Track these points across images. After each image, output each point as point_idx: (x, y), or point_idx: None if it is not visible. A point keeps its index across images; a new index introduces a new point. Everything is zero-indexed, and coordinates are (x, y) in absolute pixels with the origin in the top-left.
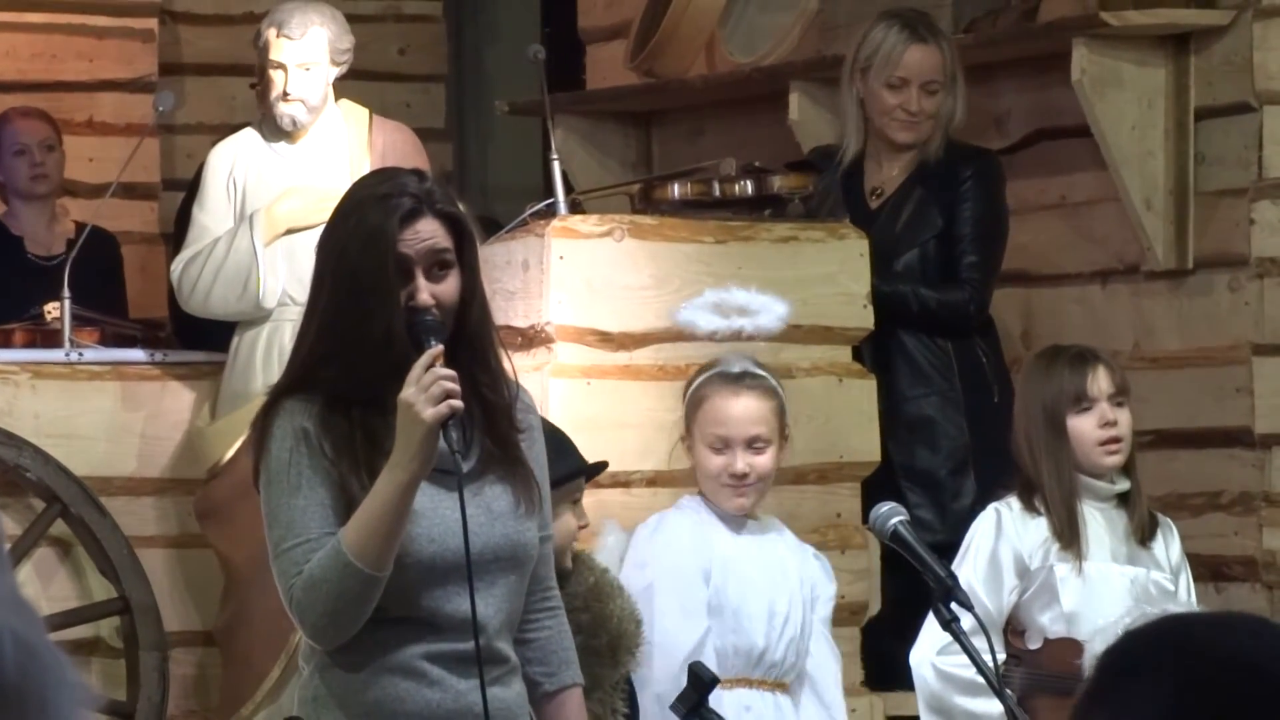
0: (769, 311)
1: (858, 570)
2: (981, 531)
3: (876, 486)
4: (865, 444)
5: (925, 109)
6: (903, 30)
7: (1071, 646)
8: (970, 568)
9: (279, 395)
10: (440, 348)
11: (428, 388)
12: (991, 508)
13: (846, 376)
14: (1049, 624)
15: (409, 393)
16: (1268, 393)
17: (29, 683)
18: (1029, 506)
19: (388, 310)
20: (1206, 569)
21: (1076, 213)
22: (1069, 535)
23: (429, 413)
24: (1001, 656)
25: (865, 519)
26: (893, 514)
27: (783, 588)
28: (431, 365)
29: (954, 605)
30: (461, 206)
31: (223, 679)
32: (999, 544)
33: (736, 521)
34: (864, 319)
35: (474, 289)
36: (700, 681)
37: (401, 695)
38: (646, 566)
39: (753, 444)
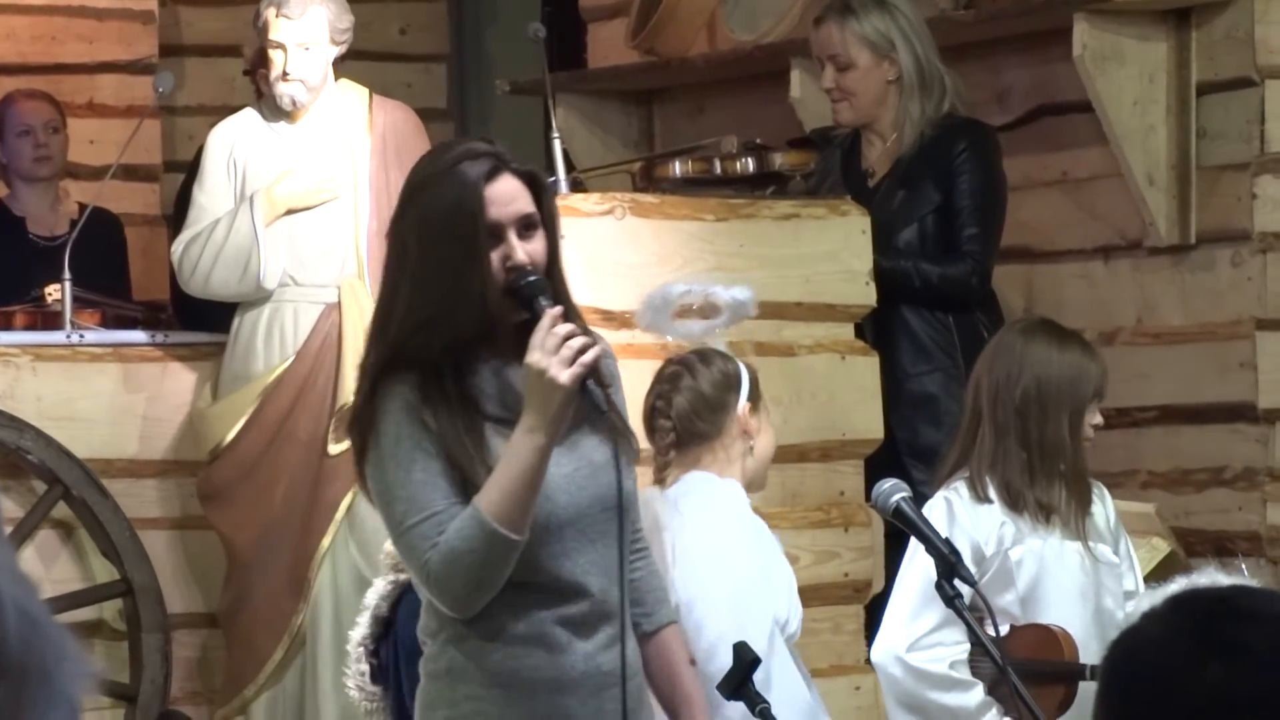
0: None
1: (862, 548)
2: (934, 522)
3: (880, 464)
4: (868, 421)
5: (838, 84)
6: (821, 12)
7: (1040, 632)
8: (925, 559)
9: (377, 375)
10: (559, 309)
11: (556, 350)
12: (940, 497)
13: (849, 354)
14: (1007, 606)
15: (536, 357)
16: (1271, 368)
17: (31, 655)
18: (978, 495)
19: (482, 269)
20: (1210, 545)
21: (1078, 188)
22: (1056, 514)
23: (565, 376)
24: (996, 631)
25: (868, 496)
26: (895, 490)
27: None
28: (552, 327)
29: (956, 581)
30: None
31: (225, 661)
32: (953, 533)
33: None
34: (866, 296)
35: (556, 245)
36: (744, 661)
37: (537, 663)
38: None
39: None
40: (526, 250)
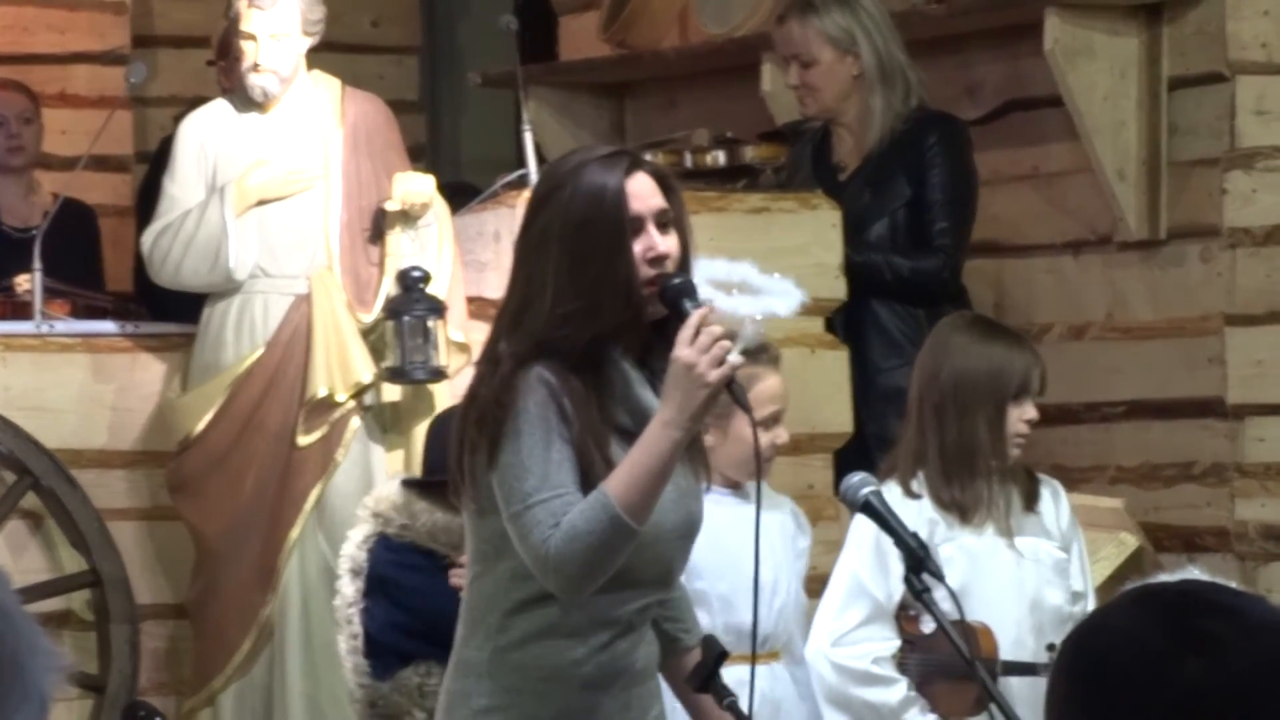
0: (785, 296)
1: (830, 542)
2: (863, 521)
3: (851, 457)
4: (837, 415)
5: (802, 81)
6: (783, 10)
7: (966, 629)
8: (856, 558)
9: (521, 360)
10: (706, 308)
11: (707, 349)
12: None
13: (819, 348)
14: (939, 603)
15: (686, 353)
16: (1240, 363)
17: (4, 648)
18: (908, 491)
19: (628, 258)
20: (1179, 540)
21: (1049, 183)
22: (979, 512)
23: (713, 375)
24: (963, 621)
25: (837, 490)
26: (863, 484)
27: (769, 560)
28: (700, 326)
29: (925, 575)
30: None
31: (194, 652)
32: (880, 533)
33: (733, 497)
34: (836, 290)
35: (688, 244)
36: (711, 654)
37: (577, 658)
38: None
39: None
40: (665, 244)
